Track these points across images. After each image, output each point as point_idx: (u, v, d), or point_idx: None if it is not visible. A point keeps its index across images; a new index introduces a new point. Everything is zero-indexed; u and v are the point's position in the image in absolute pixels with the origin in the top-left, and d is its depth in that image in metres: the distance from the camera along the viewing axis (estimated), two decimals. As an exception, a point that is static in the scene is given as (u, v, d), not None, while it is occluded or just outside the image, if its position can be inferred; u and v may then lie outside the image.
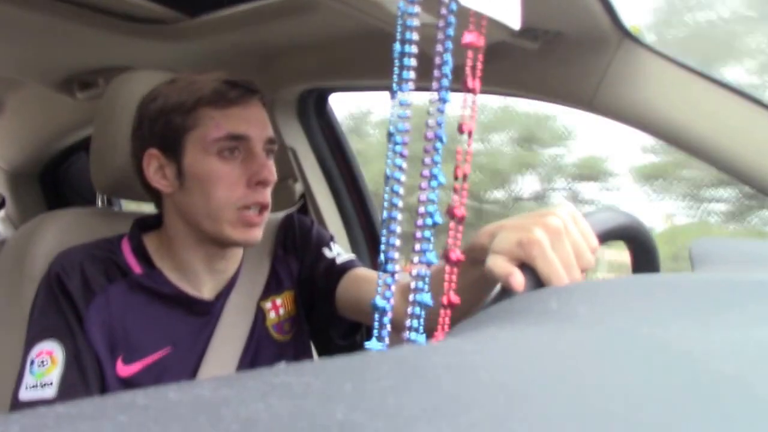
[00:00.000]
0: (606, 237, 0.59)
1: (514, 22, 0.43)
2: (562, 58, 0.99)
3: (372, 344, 0.39)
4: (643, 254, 0.63)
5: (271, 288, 1.02)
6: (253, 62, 1.34)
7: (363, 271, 1.01)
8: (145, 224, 0.99)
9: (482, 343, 0.27)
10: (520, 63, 1.02)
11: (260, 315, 1.00)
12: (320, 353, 1.13)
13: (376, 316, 0.40)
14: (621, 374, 0.23)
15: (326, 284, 1.00)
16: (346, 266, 1.01)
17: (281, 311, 1.02)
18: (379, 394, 0.20)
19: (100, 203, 1.45)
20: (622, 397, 0.21)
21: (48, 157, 1.96)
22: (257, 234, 0.91)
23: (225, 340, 0.96)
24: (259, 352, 0.98)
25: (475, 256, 0.61)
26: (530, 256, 0.53)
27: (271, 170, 0.90)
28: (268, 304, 1.01)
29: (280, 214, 1.11)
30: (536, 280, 0.52)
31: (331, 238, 1.08)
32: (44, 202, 2.02)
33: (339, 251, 1.05)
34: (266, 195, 0.91)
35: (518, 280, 0.52)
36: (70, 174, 2.02)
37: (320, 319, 1.04)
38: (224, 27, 1.18)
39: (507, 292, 0.52)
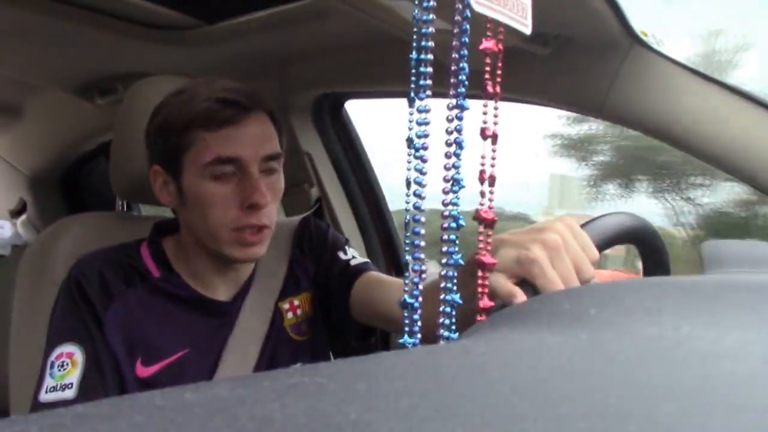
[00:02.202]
0: (615, 240, 0.59)
1: (525, 27, 0.43)
2: (572, 64, 0.99)
3: (405, 340, 0.40)
4: (653, 256, 0.63)
5: (289, 289, 1.03)
6: (269, 68, 1.35)
7: (377, 275, 1.01)
8: (164, 228, 1.00)
9: (494, 344, 0.27)
10: (530, 69, 1.02)
11: (278, 316, 1.01)
12: (336, 355, 1.14)
13: (405, 313, 0.41)
14: (633, 376, 0.23)
15: (340, 287, 1.01)
16: (361, 269, 1.01)
17: (299, 312, 1.03)
18: (392, 394, 0.20)
19: (119, 208, 1.47)
20: (633, 399, 0.21)
21: (68, 162, 1.98)
22: (257, 251, 0.90)
23: (242, 341, 0.97)
24: (277, 352, 0.99)
25: (476, 269, 0.62)
26: (531, 275, 0.54)
27: (263, 192, 0.88)
28: (286, 305, 1.02)
29: (297, 218, 1.12)
30: None
31: (347, 242, 1.09)
32: (65, 206, 2.04)
33: (354, 254, 1.06)
34: (261, 217, 0.88)
35: (521, 300, 0.53)
36: (91, 179, 2.05)
37: (335, 322, 1.04)
38: (241, 33, 1.19)
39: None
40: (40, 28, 1.22)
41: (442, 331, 0.40)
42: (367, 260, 1.06)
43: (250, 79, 0.98)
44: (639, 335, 0.26)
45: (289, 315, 1.02)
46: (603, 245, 0.57)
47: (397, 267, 1.53)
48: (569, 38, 0.96)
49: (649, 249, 0.62)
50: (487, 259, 0.45)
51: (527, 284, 0.53)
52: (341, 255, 1.04)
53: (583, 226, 0.57)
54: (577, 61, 0.98)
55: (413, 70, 0.40)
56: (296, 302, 1.03)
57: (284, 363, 0.99)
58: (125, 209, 1.52)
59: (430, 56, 0.39)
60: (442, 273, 0.40)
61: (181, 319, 0.94)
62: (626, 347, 0.25)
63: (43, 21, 1.18)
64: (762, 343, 0.25)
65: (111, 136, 1.14)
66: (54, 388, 0.85)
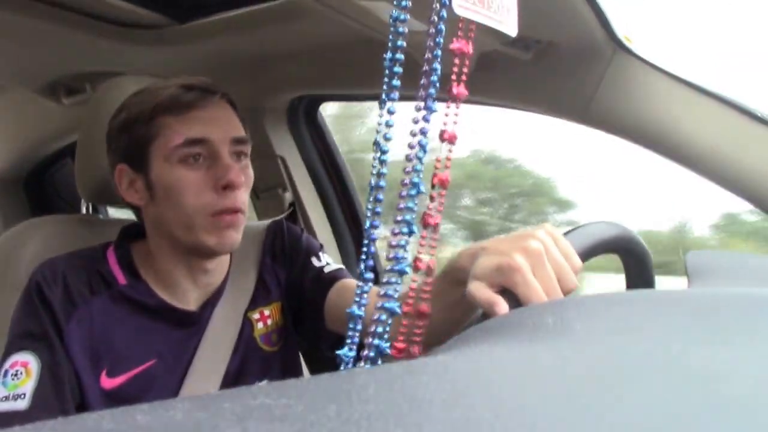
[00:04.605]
0: (598, 249, 0.58)
1: (510, 29, 0.42)
2: (554, 69, 0.99)
3: (345, 352, 0.39)
4: (637, 266, 0.62)
5: (259, 298, 1.00)
6: (242, 69, 1.33)
7: (352, 282, 0.99)
8: (133, 232, 0.97)
9: (474, 361, 0.25)
10: (511, 73, 1.01)
11: (248, 326, 0.98)
12: (309, 364, 1.11)
13: (350, 324, 0.39)
14: (620, 393, 0.22)
15: (314, 295, 0.98)
16: (335, 276, 0.99)
17: (269, 322, 1.00)
18: (365, 420, 0.19)
19: (84, 210, 1.43)
20: (621, 417, 0.20)
21: (33, 162, 1.93)
22: (234, 237, 0.88)
23: (211, 351, 0.94)
24: (246, 363, 0.96)
25: (457, 277, 0.61)
26: (512, 283, 0.53)
27: (237, 172, 0.87)
28: (255, 315, 0.99)
29: (265, 222, 1.09)
30: (518, 306, 0.51)
31: (321, 248, 1.06)
32: (29, 208, 1.99)
33: (327, 261, 1.03)
34: (236, 199, 0.87)
35: (503, 309, 0.52)
36: (56, 180, 2.00)
37: (309, 330, 1.02)
38: (214, 33, 1.17)
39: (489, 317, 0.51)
40: (5, 25, 1.18)
41: (373, 339, 0.39)
42: (342, 267, 1.03)
43: (222, 81, 0.96)
44: (629, 354, 0.24)
45: (260, 325, 0.99)
46: (586, 255, 0.56)
47: (374, 274, 1.50)
48: (552, 43, 0.95)
49: (633, 259, 0.62)
50: (424, 263, 0.44)
51: (508, 293, 0.52)
52: (315, 261, 1.02)
53: (565, 234, 0.57)
54: (560, 66, 0.97)
55: (386, 71, 0.39)
56: (266, 311, 1.00)
57: (254, 375, 0.96)
58: (91, 212, 1.48)
59: (402, 56, 0.37)
60: (384, 279, 0.39)
61: (147, 328, 0.91)
62: (618, 367, 0.23)
63: (9, 18, 1.14)
64: (756, 363, 0.24)
65: (77, 136, 1.11)
66: (6, 398, 0.81)
